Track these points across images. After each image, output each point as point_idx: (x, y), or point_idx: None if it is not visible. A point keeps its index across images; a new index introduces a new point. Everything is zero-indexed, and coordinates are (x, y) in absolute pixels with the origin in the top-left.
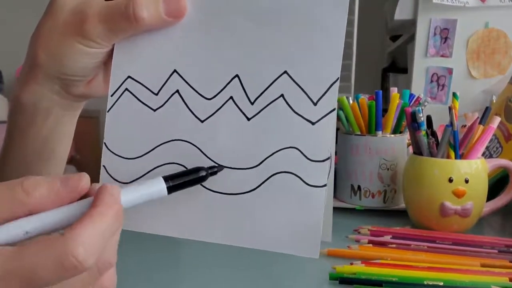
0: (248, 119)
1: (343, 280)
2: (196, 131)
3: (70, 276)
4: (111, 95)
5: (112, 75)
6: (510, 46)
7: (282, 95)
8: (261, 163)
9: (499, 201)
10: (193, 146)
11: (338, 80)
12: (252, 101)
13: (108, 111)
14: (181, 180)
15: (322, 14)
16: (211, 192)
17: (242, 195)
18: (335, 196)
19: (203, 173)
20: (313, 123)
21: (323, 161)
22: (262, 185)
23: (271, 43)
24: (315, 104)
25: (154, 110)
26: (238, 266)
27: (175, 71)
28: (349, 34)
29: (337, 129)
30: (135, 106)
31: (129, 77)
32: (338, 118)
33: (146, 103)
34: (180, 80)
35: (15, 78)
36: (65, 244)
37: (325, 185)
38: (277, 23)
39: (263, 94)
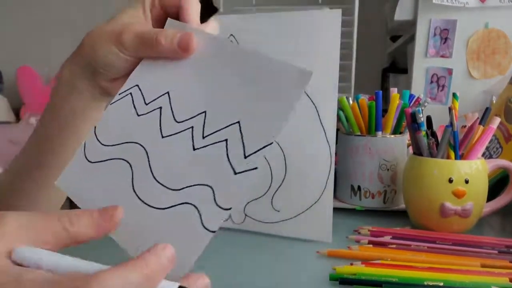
0: (194, 149)
1: (343, 280)
2: (155, 143)
3: None
4: (119, 94)
5: (128, 80)
6: (510, 46)
7: (226, 140)
8: (182, 189)
9: (499, 201)
10: (146, 153)
11: (272, 144)
12: (204, 136)
13: (111, 104)
14: None
15: (283, 92)
16: (139, 200)
17: (154, 209)
18: (335, 197)
19: None
20: (235, 173)
21: (226, 209)
22: (172, 208)
23: (242, 97)
24: (245, 157)
25: (138, 115)
26: (238, 266)
27: (167, 93)
28: (349, 34)
29: (337, 130)
30: (128, 107)
31: (136, 85)
32: (338, 118)
33: (136, 108)
34: (166, 101)
35: (15, 78)
36: (87, 281)
37: (214, 231)
38: (253, 84)
39: (214, 133)
